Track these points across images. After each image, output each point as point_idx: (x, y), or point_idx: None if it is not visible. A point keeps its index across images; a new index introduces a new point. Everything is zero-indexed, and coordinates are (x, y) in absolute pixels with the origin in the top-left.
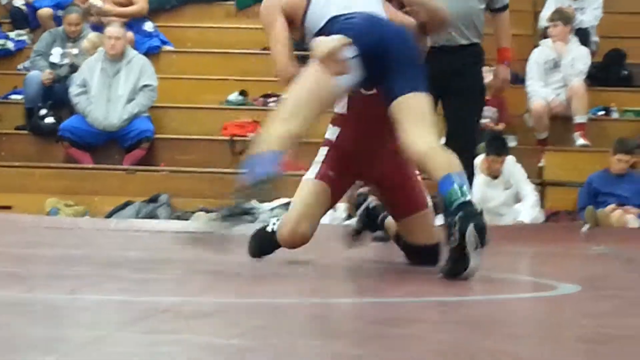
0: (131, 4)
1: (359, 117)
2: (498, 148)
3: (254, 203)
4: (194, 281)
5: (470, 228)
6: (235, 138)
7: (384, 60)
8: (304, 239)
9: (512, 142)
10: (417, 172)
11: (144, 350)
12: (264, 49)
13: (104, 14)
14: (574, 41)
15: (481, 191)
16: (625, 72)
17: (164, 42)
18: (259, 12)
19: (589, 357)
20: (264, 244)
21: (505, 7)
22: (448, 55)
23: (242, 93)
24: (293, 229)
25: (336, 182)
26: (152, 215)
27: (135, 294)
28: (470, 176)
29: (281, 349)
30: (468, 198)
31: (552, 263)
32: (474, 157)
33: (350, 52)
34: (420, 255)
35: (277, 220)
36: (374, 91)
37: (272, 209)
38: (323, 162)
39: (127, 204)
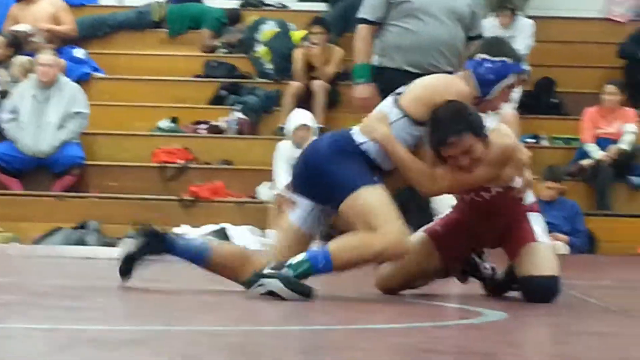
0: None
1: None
2: None
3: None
4: (121, 309)
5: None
6: (165, 165)
7: (310, 183)
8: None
9: None
10: None
11: None
12: (196, 76)
13: (32, 35)
14: None
15: None
16: (555, 101)
17: (96, 69)
18: (191, 39)
19: None
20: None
21: (479, 36)
22: None
23: (173, 120)
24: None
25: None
26: (81, 242)
27: (62, 322)
28: None
29: None
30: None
31: (480, 290)
32: None
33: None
34: (540, 288)
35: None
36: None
37: (202, 235)
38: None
39: (56, 230)
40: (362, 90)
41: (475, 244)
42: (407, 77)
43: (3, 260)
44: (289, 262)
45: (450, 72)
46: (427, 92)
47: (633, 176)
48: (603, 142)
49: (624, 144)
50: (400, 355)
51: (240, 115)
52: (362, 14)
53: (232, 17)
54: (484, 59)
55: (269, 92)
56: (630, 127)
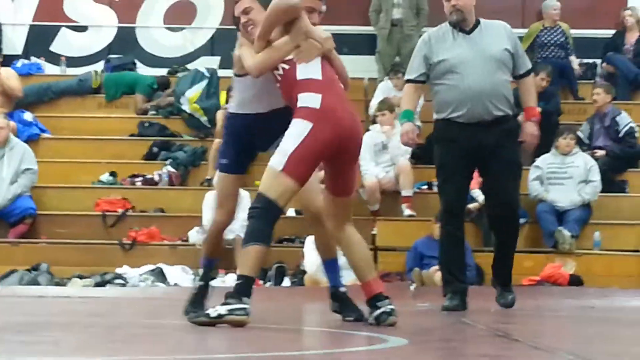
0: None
1: None
2: None
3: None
4: (70, 342)
5: None
6: (106, 213)
7: None
8: None
9: None
10: None
11: None
12: (131, 135)
13: None
14: (399, 125)
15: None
16: None
17: (43, 130)
18: (126, 103)
19: None
20: None
21: (529, 72)
22: (479, 129)
23: (112, 174)
24: None
25: None
26: (33, 282)
27: (15, 355)
28: (515, 243)
29: None
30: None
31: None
32: (518, 227)
33: None
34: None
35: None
36: None
37: (141, 275)
38: None
39: (11, 272)
40: (405, 127)
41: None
42: (462, 127)
43: None
44: None
45: (498, 119)
46: None
47: None
48: None
49: None
50: None
51: (171, 168)
52: (406, 75)
53: (162, 83)
54: None
55: (195, 148)
56: None
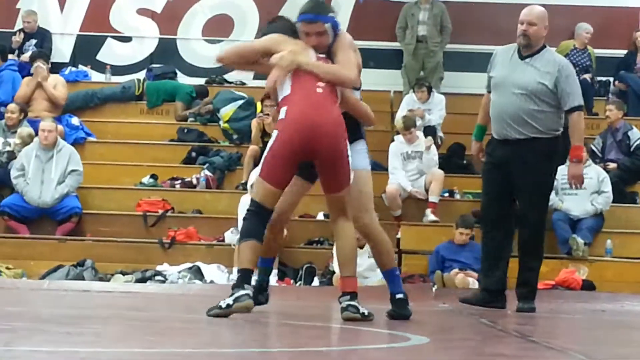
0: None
1: None
2: None
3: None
4: (111, 333)
5: None
6: (147, 213)
7: None
8: None
9: None
10: None
11: None
12: (171, 140)
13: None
14: (422, 136)
15: None
16: (465, 162)
17: (88, 134)
18: (166, 109)
19: None
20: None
21: (572, 109)
22: (507, 147)
23: (153, 176)
24: None
25: None
26: (79, 277)
27: (60, 345)
28: (541, 255)
29: None
30: None
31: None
32: (542, 241)
33: None
34: None
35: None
36: None
37: (179, 272)
38: None
39: (58, 268)
40: (472, 146)
41: None
42: (496, 142)
43: (13, 292)
44: None
45: (521, 140)
46: None
47: None
48: None
49: None
50: None
51: (208, 172)
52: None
53: (201, 92)
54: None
55: (231, 154)
56: None
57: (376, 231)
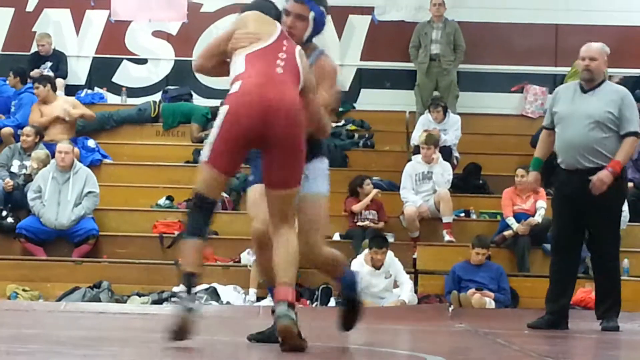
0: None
1: None
2: (379, 242)
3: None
4: (128, 355)
5: None
6: (163, 235)
7: None
8: None
9: (390, 239)
10: None
11: None
12: (187, 161)
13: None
14: (439, 157)
15: (366, 280)
16: (481, 182)
17: (104, 156)
18: (182, 131)
19: None
20: None
21: (628, 134)
22: (577, 176)
23: (169, 198)
24: None
25: None
26: (95, 299)
27: None
28: (611, 284)
29: None
30: None
31: (423, 338)
32: (612, 273)
33: None
34: None
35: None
36: None
37: (196, 293)
38: None
39: (74, 289)
40: (530, 176)
41: None
42: (565, 172)
43: (30, 314)
44: None
45: (593, 169)
46: None
47: (546, 244)
48: (521, 216)
49: (538, 218)
50: None
51: (224, 194)
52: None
53: (216, 113)
54: None
55: (247, 175)
56: (542, 203)
57: (321, 251)
